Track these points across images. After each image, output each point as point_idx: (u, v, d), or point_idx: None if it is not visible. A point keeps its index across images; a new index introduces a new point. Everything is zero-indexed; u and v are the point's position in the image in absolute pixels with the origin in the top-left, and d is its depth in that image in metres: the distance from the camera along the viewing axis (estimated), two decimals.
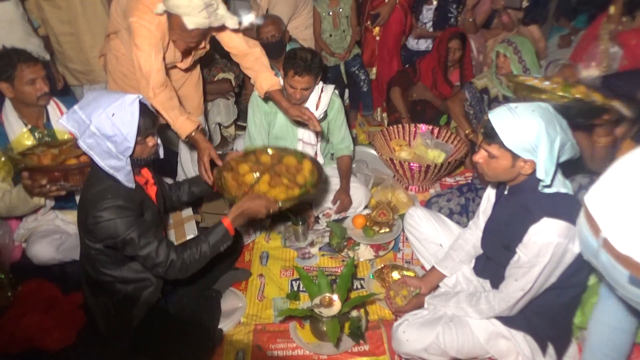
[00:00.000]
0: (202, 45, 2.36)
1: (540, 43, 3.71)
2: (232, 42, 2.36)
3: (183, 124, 2.18)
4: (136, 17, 2.07)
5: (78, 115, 1.53)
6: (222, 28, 2.25)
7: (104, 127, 1.51)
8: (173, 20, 2.01)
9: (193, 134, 2.18)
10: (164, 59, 2.21)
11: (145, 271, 1.77)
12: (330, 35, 3.51)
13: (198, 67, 2.78)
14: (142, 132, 1.60)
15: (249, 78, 3.20)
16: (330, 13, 3.45)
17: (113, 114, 1.51)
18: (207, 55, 2.83)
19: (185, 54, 2.38)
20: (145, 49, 2.10)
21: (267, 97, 2.45)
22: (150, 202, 1.81)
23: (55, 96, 2.36)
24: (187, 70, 2.57)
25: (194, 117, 2.29)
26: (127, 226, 1.60)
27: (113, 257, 1.73)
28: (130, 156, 1.61)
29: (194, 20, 1.96)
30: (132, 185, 1.66)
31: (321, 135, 2.64)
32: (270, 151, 2.27)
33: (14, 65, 2.09)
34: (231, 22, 2.07)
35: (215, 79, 3.41)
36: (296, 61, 2.31)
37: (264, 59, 2.42)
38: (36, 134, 2.27)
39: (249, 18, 1.99)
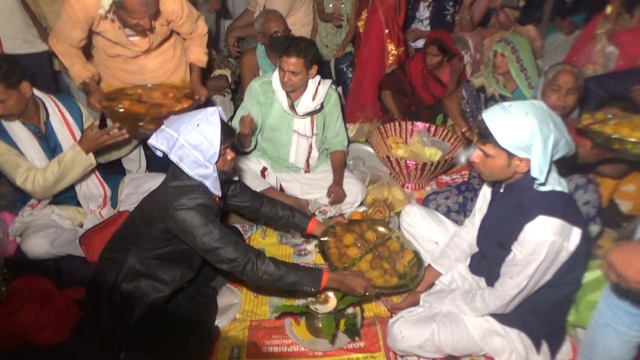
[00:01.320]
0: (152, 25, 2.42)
1: (536, 42, 3.71)
2: (186, 31, 2.57)
3: (79, 71, 2.44)
4: None
5: (166, 132, 1.67)
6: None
7: (191, 137, 1.65)
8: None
9: (87, 80, 2.45)
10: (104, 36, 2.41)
11: (169, 277, 1.83)
12: (327, 27, 3.52)
13: (184, 64, 2.80)
14: (223, 141, 1.70)
15: (246, 74, 3.21)
16: (331, 5, 3.45)
17: (198, 125, 1.65)
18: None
19: (141, 35, 2.48)
20: (64, 17, 2.32)
21: (263, 90, 2.59)
22: (218, 216, 1.86)
23: (54, 95, 2.34)
24: (150, 52, 2.63)
25: (90, 66, 2.51)
26: (207, 219, 1.69)
27: (161, 247, 1.80)
28: (216, 164, 1.71)
29: None
30: (218, 192, 1.76)
31: (316, 127, 2.66)
32: (378, 229, 2.25)
33: None
34: None
35: (212, 75, 3.40)
36: (288, 43, 2.40)
37: (205, 38, 2.70)
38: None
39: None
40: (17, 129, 2.18)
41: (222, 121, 1.69)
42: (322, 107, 2.64)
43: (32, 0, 2.91)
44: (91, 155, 2.18)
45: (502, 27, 3.74)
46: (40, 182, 2.14)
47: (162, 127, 1.69)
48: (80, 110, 2.40)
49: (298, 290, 1.83)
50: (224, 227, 1.75)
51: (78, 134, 2.30)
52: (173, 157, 1.66)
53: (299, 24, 3.50)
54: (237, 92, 3.67)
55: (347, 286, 1.81)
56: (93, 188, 2.37)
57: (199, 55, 2.68)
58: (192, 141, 1.64)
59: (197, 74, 2.70)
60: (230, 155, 1.78)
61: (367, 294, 1.83)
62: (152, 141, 1.68)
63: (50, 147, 2.27)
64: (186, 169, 1.67)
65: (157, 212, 1.75)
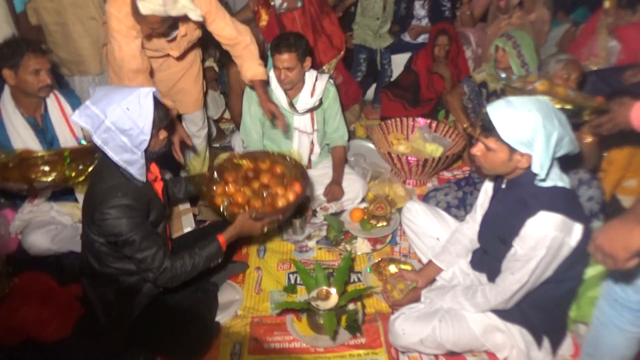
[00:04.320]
0: (183, 32, 2.33)
1: (545, 26, 3.69)
2: (222, 32, 2.38)
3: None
4: (109, 5, 2.10)
5: (91, 111, 1.53)
6: (213, 18, 2.30)
7: (120, 121, 1.53)
8: (132, 2, 2.02)
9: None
10: (144, 46, 2.25)
11: None
12: (378, 19, 3.59)
13: (198, 60, 2.75)
14: (157, 125, 1.62)
15: (230, 64, 3.10)
16: None
17: (128, 108, 1.53)
18: (202, 47, 2.81)
19: (173, 41, 2.38)
20: (116, 38, 2.14)
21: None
22: (157, 200, 1.82)
23: (57, 89, 2.34)
24: (180, 58, 2.56)
25: (168, 101, 2.34)
26: (132, 227, 1.62)
27: (117, 251, 1.74)
28: (145, 150, 1.62)
29: (147, 5, 1.94)
30: (143, 179, 1.68)
31: (316, 123, 2.66)
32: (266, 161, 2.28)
33: (22, 54, 2.08)
34: (193, 14, 2.06)
35: None
36: (278, 40, 2.38)
37: (253, 47, 2.43)
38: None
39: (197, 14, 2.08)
40: (17, 122, 2.20)
41: (156, 103, 1.59)
42: (321, 102, 2.63)
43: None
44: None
45: (501, 12, 3.69)
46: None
47: (86, 103, 1.55)
48: None
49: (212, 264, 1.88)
50: (149, 230, 1.68)
51: (77, 129, 2.32)
52: (96, 140, 1.54)
53: None
54: (221, 79, 3.65)
55: (246, 232, 1.95)
56: None
57: (255, 69, 2.38)
58: (121, 125, 1.53)
59: (261, 88, 2.39)
60: (162, 135, 1.70)
61: (266, 229, 1.98)
62: (76, 118, 1.54)
63: (47, 140, 2.28)
64: (110, 153, 1.57)
65: (90, 220, 1.67)
